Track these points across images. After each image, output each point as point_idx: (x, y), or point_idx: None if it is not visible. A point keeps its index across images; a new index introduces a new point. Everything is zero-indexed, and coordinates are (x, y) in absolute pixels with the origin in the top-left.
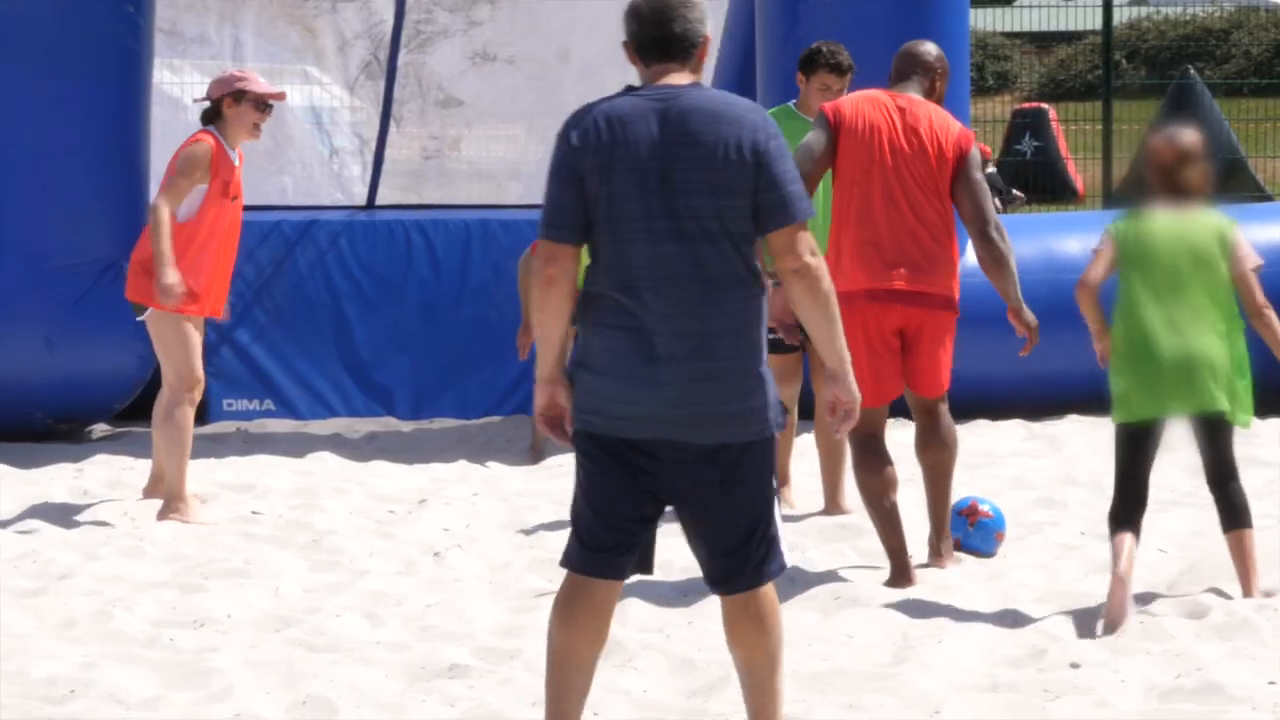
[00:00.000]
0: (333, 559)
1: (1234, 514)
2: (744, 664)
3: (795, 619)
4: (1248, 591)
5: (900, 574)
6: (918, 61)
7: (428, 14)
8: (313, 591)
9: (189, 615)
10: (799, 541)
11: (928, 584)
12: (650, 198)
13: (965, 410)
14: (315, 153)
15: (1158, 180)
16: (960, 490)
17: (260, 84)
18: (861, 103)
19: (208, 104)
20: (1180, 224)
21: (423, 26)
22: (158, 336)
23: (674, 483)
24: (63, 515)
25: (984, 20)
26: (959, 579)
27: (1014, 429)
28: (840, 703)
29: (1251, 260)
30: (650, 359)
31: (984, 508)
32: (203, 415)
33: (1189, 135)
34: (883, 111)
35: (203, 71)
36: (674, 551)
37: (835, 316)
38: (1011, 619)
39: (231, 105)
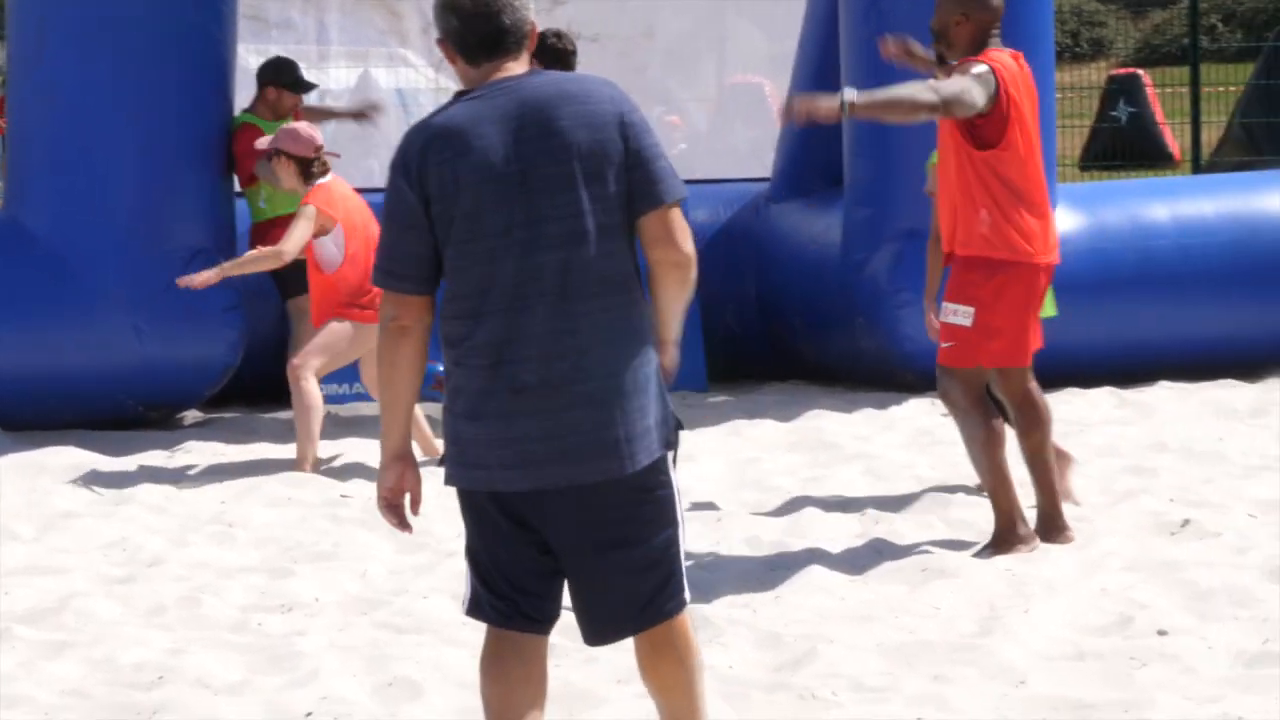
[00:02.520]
0: (420, 540)
1: None
2: (661, 698)
3: (881, 591)
4: None
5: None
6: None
7: None
8: (400, 573)
9: (277, 600)
10: (885, 515)
11: (1013, 554)
12: (509, 206)
13: (1055, 378)
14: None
15: None
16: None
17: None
18: (1009, 62)
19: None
20: None
21: None
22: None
23: (561, 532)
24: (153, 502)
25: None
26: (1047, 547)
27: (1104, 396)
28: (926, 674)
29: None
30: (517, 391)
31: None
32: None
33: None
34: (1026, 75)
35: (299, 57)
36: (761, 526)
37: (689, 296)
38: (1099, 587)
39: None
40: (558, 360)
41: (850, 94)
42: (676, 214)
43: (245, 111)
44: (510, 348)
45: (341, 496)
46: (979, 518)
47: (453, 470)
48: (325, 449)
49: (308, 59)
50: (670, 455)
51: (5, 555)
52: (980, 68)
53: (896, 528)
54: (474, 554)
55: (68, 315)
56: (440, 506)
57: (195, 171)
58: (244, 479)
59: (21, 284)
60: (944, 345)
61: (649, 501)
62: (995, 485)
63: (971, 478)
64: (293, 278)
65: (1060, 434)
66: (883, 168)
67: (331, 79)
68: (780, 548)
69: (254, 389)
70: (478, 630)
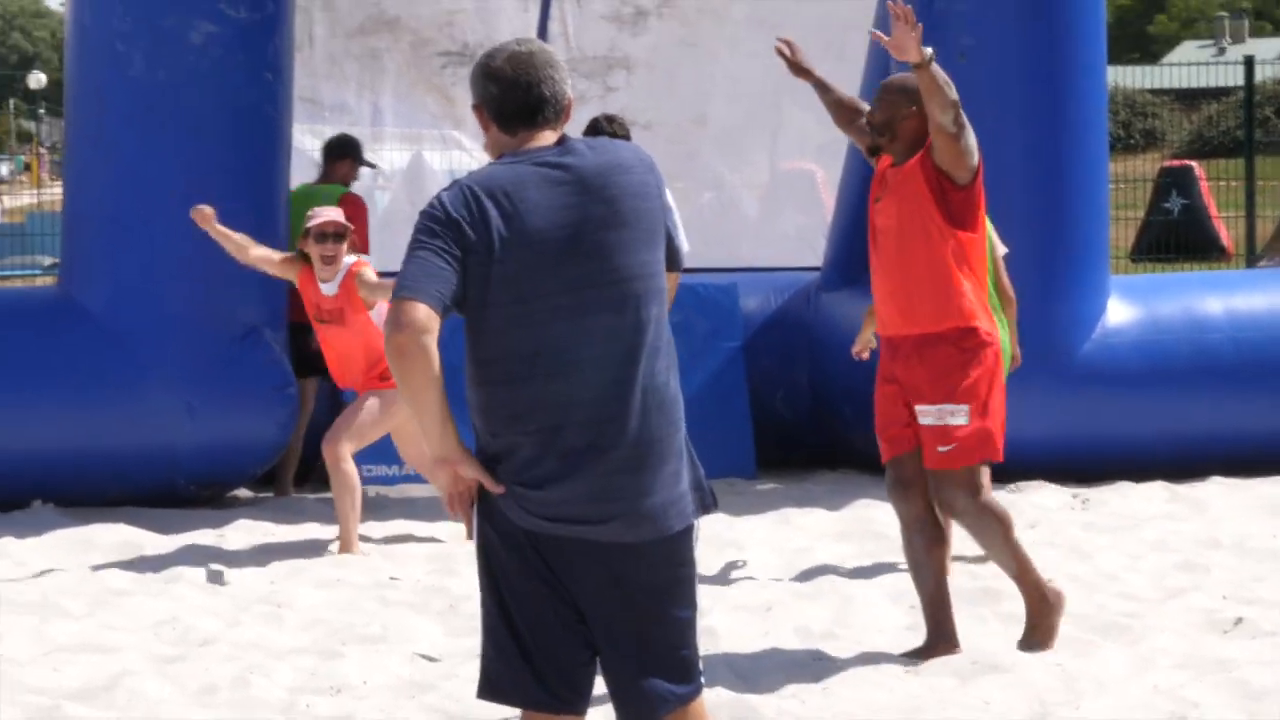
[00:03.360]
0: (469, 624)
1: None
2: None
3: (930, 684)
4: None
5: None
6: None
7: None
8: (449, 657)
9: (326, 681)
10: None
11: (1067, 649)
12: (559, 271)
13: (1108, 472)
14: None
15: None
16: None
17: (319, 217)
18: None
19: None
20: None
21: None
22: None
23: (592, 594)
24: (203, 581)
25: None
26: (1099, 643)
27: (1156, 491)
28: None
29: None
30: (564, 455)
31: None
32: None
33: None
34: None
35: None
36: (810, 616)
37: None
38: (1150, 685)
39: (304, 242)
40: (606, 424)
41: (932, 51)
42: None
43: (322, 182)
44: (559, 413)
45: (390, 579)
46: None
47: (497, 510)
48: (375, 530)
49: (362, 140)
50: (697, 527)
51: (56, 632)
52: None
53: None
54: (499, 621)
55: (120, 392)
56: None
57: None
58: (293, 559)
59: (75, 359)
60: (940, 450)
61: (677, 570)
62: (1021, 572)
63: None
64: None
65: (1113, 528)
66: None
67: (385, 160)
68: (829, 638)
69: (304, 468)
70: None
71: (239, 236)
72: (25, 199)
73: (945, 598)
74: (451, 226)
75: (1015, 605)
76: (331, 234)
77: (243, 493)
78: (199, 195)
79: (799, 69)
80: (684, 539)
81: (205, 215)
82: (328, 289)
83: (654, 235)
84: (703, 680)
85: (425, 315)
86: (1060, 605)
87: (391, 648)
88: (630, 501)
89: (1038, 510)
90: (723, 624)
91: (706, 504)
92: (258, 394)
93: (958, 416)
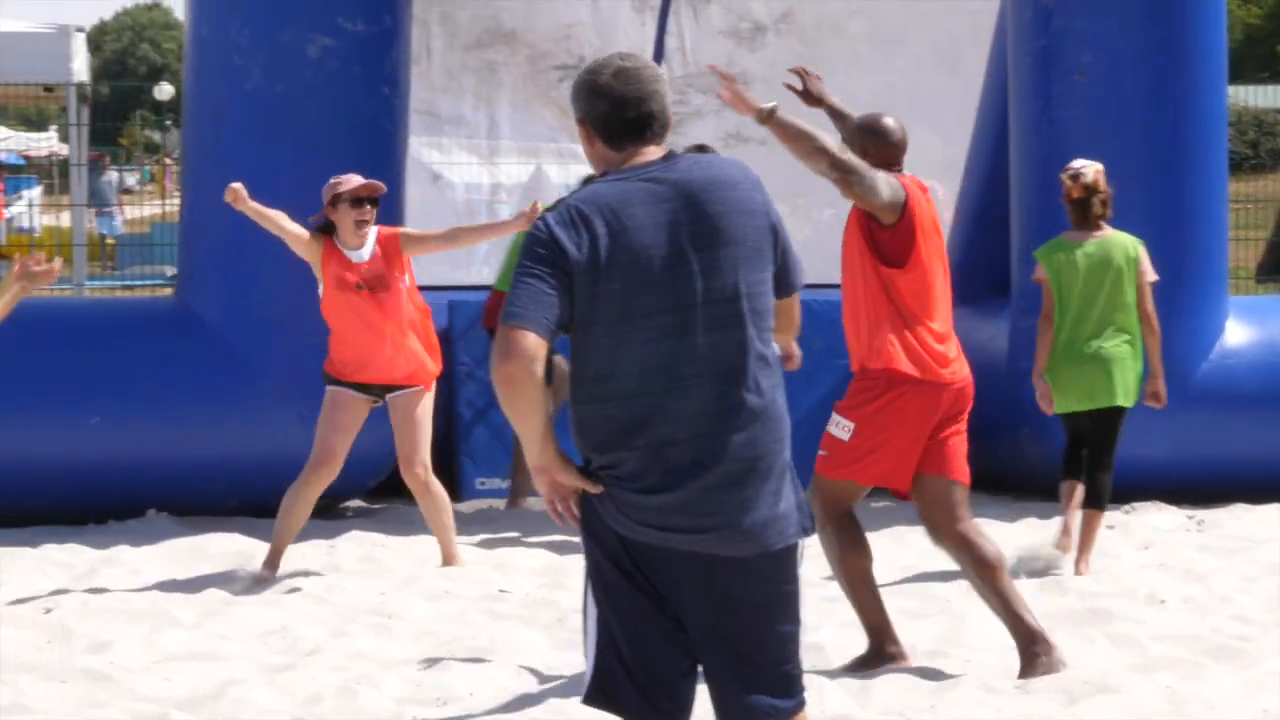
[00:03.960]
0: (577, 638)
1: (1098, 496)
2: None
3: (1039, 705)
4: (1080, 570)
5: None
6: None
7: (681, 95)
8: (557, 670)
9: (433, 693)
10: (1047, 626)
11: (1177, 671)
12: (666, 288)
13: (1224, 493)
14: None
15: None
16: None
17: (351, 183)
18: (915, 190)
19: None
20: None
21: (676, 108)
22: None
23: (692, 607)
24: (314, 591)
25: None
26: (1210, 665)
27: (1273, 513)
28: None
29: (1150, 275)
30: (668, 471)
31: None
32: (456, 493)
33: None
34: (931, 206)
35: (469, 151)
36: (920, 635)
37: None
38: (1261, 709)
39: (332, 210)
40: (709, 440)
41: (774, 105)
42: (798, 301)
43: None
44: (665, 429)
45: (500, 591)
46: (1142, 634)
47: (600, 521)
48: (486, 542)
49: (479, 154)
50: (802, 546)
51: (167, 640)
52: (893, 178)
53: (1056, 639)
54: (605, 632)
55: (234, 403)
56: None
57: None
58: (403, 571)
59: (190, 371)
60: (820, 453)
61: (780, 587)
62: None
63: None
64: None
65: (1227, 550)
66: None
67: (504, 174)
68: (938, 657)
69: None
70: None
71: (273, 213)
72: (150, 209)
73: (865, 604)
74: (557, 249)
75: (1126, 626)
76: (367, 198)
77: (355, 504)
78: (315, 209)
79: (812, 98)
80: (787, 556)
81: (238, 194)
82: (359, 255)
83: (759, 253)
84: (805, 696)
85: (534, 343)
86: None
87: (499, 660)
88: (729, 516)
89: (1152, 531)
90: (831, 640)
91: (806, 526)
92: None
93: (839, 429)
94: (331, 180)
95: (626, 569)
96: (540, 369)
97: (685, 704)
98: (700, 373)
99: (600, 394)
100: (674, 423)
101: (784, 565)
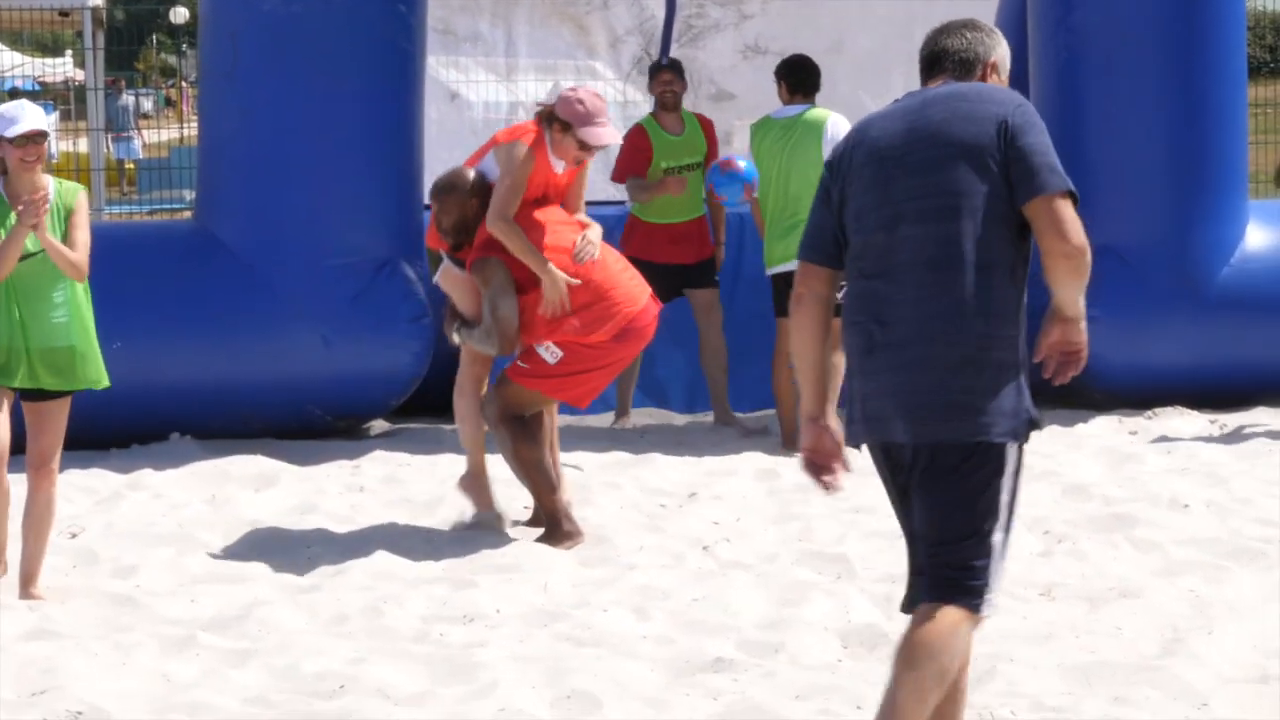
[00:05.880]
0: (602, 554)
1: None
2: (891, 680)
3: (1063, 611)
4: None
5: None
6: None
7: (699, 8)
8: (581, 586)
9: (459, 610)
10: (1070, 533)
11: (1199, 574)
12: (887, 185)
13: (1246, 398)
14: None
15: None
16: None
17: (595, 131)
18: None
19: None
20: None
21: (694, 21)
22: None
23: (902, 483)
24: (339, 511)
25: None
26: (1232, 568)
27: None
28: (1106, 695)
29: None
30: (869, 349)
31: (739, 163)
32: None
33: None
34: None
35: (487, 69)
36: None
37: (1084, 284)
38: None
39: (560, 131)
40: (902, 324)
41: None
42: (1060, 206)
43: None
44: (873, 307)
45: (525, 508)
46: (1166, 539)
47: (849, 430)
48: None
49: (496, 71)
50: (1012, 450)
51: (192, 563)
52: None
53: (1080, 546)
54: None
55: (256, 325)
56: (623, 521)
57: (383, 183)
58: (428, 490)
59: (211, 293)
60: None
61: (970, 480)
62: (536, 480)
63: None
64: None
65: (1249, 454)
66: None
67: (521, 91)
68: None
69: (440, 400)
70: (658, 644)
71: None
72: (168, 134)
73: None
74: (830, 166)
75: (1148, 531)
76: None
77: (379, 424)
78: (333, 129)
79: None
80: (980, 454)
81: None
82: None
83: (975, 157)
84: (979, 605)
85: (811, 273)
86: (572, 539)
87: (525, 577)
88: (917, 397)
89: (1175, 435)
90: (855, 551)
91: (1017, 433)
92: (393, 326)
93: (549, 353)
94: (579, 101)
95: (880, 465)
96: (821, 297)
97: None
98: (906, 261)
99: (844, 275)
100: (880, 304)
101: (986, 458)
